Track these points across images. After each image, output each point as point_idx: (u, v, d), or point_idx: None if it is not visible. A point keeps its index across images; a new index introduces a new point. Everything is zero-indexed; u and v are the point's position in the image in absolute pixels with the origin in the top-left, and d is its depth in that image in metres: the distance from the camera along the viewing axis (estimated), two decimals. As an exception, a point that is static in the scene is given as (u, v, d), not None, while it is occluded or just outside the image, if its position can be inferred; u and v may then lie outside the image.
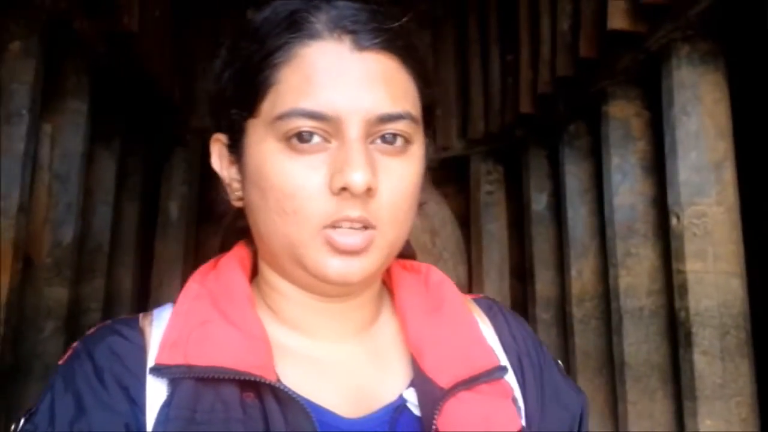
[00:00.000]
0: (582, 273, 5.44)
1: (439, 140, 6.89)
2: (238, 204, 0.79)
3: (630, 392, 4.49)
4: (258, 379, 0.67)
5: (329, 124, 0.68)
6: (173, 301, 0.77)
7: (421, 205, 0.80)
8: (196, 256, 6.11)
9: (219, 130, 0.79)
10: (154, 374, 0.68)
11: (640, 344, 4.52)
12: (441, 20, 7.06)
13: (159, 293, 5.48)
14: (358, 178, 0.66)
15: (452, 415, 0.72)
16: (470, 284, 5.98)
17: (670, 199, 4.06)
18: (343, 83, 0.68)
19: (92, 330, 0.73)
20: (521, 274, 6.44)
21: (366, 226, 0.70)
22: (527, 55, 5.96)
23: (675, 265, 4.01)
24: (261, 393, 0.68)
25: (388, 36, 0.71)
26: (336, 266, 0.69)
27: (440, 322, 0.81)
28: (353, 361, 0.78)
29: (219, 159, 0.80)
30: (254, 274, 0.82)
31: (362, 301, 0.80)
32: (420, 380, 0.76)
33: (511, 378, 0.81)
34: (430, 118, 0.79)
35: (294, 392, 0.69)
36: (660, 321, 4.50)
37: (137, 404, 0.67)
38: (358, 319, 0.80)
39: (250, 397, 0.68)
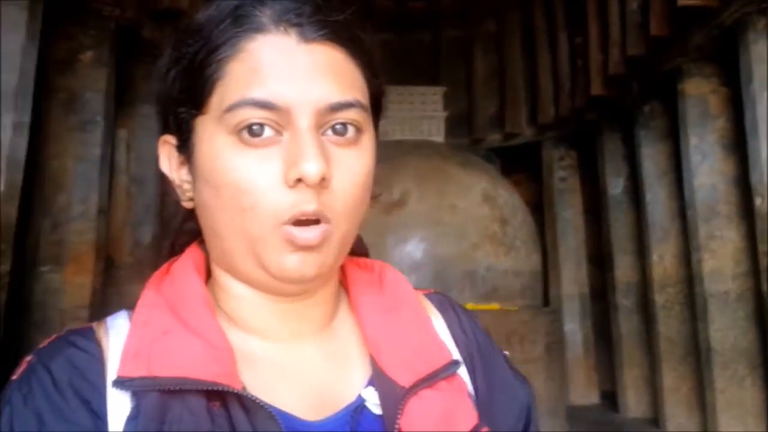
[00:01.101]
0: (663, 258, 5.27)
1: (508, 127, 6.80)
2: (189, 205, 0.76)
3: (718, 380, 4.31)
4: (224, 389, 0.66)
5: (279, 115, 0.67)
6: (128, 307, 0.75)
7: (374, 198, 0.77)
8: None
9: (167, 131, 0.77)
10: (117, 387, 0.66)
11: (727, 330, 4.34)
12: (506, 8, 6.95)
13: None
14: (312, 168, 0.65)
15: (414, 413, 0.72)
16: (545, 272, 5.86)
17: (753, 178, 3.87)
18: (292, 74, 0.68)
19: (45, 342, 0.70)
20: (599, 260, 6.29)
21: (320, 219, 0.68)
22: (596, 37, 5.80)
23: (761, 247, 3.83)
24: (227, 402, 0.67)
25: (333, 28, 0.71)
26: (294, 263, 0.68)
27: (397, 320, 0.80)
28: (312, 362, 0.77)
29: (168, 161, 0.77)
30: (208, 277, 0.79)
31: (319, 299, 0.78)
32: (380, 379, 0.75)
33: (463, 372, 0.80)
34: (378, 108, 0.77)
35: (260, 399, 0.67)
36: (747, 305, 4.31)
37: (100, 418, 0.65)
38: (316, 319, 0.78)
39: (216, 407, 0.67)
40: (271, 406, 0.67)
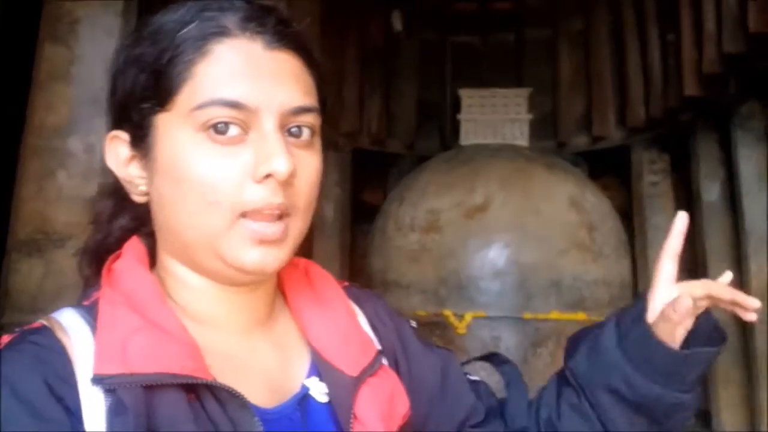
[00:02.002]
0: (762, 267, 4.98)
1: (596, 130, 6.57)
2: (141, 200, 0.79)
3: (823, 399, 4.03)
4: (201, 381, 0.69)
5: (247, 115, 0.72)
6: (71, 305, 0.76)
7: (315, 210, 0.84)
8: (351, 255, 6.24)
9: (117, 127, 0.79)
10: (95, 384, 0.66)
11: (834, 346, 4.06)
12: (593, 4, 6.73)
13: (317, 294, 5.61)
14: (282, 165, 0.70)
15: (365, 400, 0.79)
16: (635, 280, 5.63)
17: None
18: (259, 77, 0.73)
19: (2, 344, 0.70)
20: (693, 269, 5.98)
21: (282, 215, 0.73)
22: (690, 33, 5.53)
23: None
24: (199, 394, 0.70)
25: (292, 38, 0.78)
26: (255, 256, 0.73)
27: (330, 314, 0.86)
28: (260, 352, 0.81)
29: (115, 157, 0.80)
30: (150, 269, 0.82)
31: (265, 291, 0.83)
32: (327, 370, 0.82)
33: (385, 361, 0.88)
34: (323, 114, 0.83)
35: (233, 389, 0.71)
36: None
37: (74, 415, 0.65)
38: (262, 310, 0.83)
39: (192, 399, 0.69)
40: (242, 395, 0.71)
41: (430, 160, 5.65)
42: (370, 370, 0.83)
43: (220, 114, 0.71)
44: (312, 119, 0.77)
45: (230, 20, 0.75)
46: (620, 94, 6.58)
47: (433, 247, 4.77)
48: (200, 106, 0.71)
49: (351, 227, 6.34)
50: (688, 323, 0.93)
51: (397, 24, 6.75)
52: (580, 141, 6.83)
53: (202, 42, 0.73)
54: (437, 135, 6.80)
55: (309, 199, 0.78)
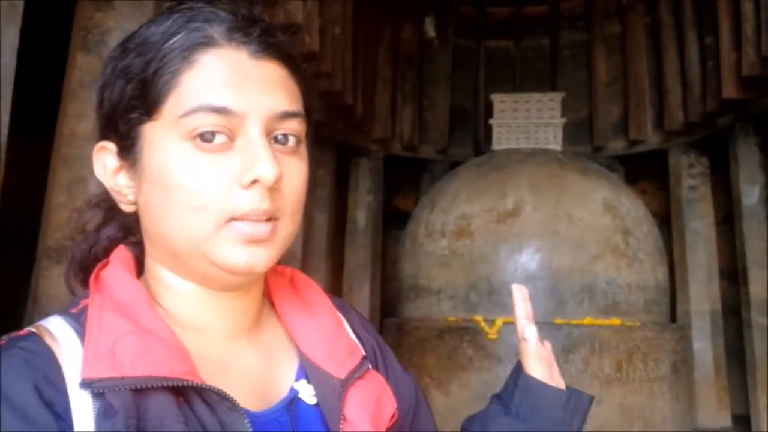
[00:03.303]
0: (804, 272, 4.84)
1: (632, 133, 6.48)
2: (129, 209, 0.81)
3: None
4: (191, 384, 0.70)
5: (233, 122, 0.72)
6: (59, 313, 0.77)
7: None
8: (383, 262, 6.25)
9: (104, 138, 0.80)
10: (84, 388, 0.67)
11: None
12: (630, 7, 6.64)
13: (350, 298, 5.64)
14: (269, 171, 0.71)
15: (353, 402, 0.80)
16: (673, 286, 5.52)
17: None
18: (246, 85, 0.74)
19: None
20: (732, 275, 5.85)
21: (270, 218, 0.74)
22: (728, 35, 5.42)
23: None
24: (189, 397, 0.71)
25: (277, 48, 0.78)
26: (244, 256, 0.73)
27: (317, 319, 0.88)
28: (248, 357, 0.82)
29: (103, 167, 0.81)
30: (137, 276, 0.82)
31: (252, 297, 0.84)
32: (315, 373, 0.83)
33: (370, 366, 0.89)
34: (308, 124, 0.84)
35: (223, 391, 0.72)
36: None
37: (64, 420, 0.65)
38: (249, 315, 0.84)
39: (181, 402, 0.70)
40: (233, 398, 0.72)
41: (462, 166, 5.63)
42: (358, 372, 0.84)
43: (206, 121, 0.72)
44: (297, 125, 0.78)
45: (216, 31, 0.75)
46: (658, 97, 6.47)
47: (463, 253, 4.75)
48: (186, 113, 0.72)
49: (383, 233, 6.36)
50: (554, 366, 1.02)
51: (430, 30, 6.75)
52: (617, 145, 6.73)
53: (188, 52, 0.74)
54: (470, 140, 6.79)
55: (296, 204, 0.78)
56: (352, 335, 0.92)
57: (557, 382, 1.00)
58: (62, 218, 2.97)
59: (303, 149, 0.80)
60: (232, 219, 0.72)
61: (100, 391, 0.66)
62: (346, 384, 0.81)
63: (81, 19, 3.31)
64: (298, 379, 0.84)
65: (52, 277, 2.86)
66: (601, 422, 4.23)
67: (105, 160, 0.80)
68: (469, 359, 4.45)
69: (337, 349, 0.85)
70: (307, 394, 0.82)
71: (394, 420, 0.85)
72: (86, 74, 3.24)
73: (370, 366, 0.89)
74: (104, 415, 0.66)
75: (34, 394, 0.65)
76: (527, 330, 1.02)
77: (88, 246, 0.85)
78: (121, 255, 0.81)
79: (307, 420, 0.80)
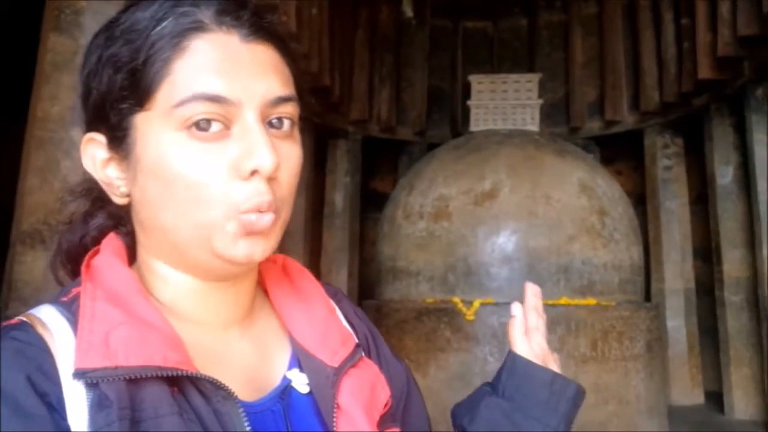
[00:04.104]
0: (776, 251, 4.92)
1: (609, 114, 6.53)
2: (121, 201, 0.79)
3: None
4: (186, 373, 0.70)
5: (228, 109, 0.71)
6: (49, 301, 0.76)
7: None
8: (361, 244, 6.26)
9: (93, 129, 0.78)
10: (77, 378, 0.66)
11: None
12: (606, -13, 6.66)
13: (329, 280, 5.62)
14: (267, 161, 0.70)
15: (347, 390, 0.80)
16: (647, 266, 5.60)
17: None
18: (238, 70, 0.73)
19: None
20: (706, 254, 5.94)
21: (271, 209, 0.73)
22: (704, 16, 5.46)
23: None
24: (183, 387, 0.70)
25: (268, 29, 0.77)
26: (243, 247, 0.73)
27: (310, 307, 0.88)
28: (242, 346, 0.82)
29: (92, 160, 0.78)
30: (129, 265, 0.81)
31: (246, 286, 0.83)
32: (308, 362, 0.83)
33: (363, 353, 0.89)
34: (301, 104, 0.82)
35: (218, 380, 0.71)
36: None
37: (58, 411, 0.65)
38: (243, 305, 0.84)
39: (175, 392, 0.69)
40: (227, 387, 0.71)
41: (439, 148, 5.63)
42: (351, 360, 0.83)
43: (201, 110, 0.70)
44: (292, 109, 0.76)
45: (205, 15, 0.74)
46: (634, 78, 6.52)
47: (441, 235, 4.77)
48: (180, 103, 0.70)
49: (361, 216, 6.37)
50: (551, 355, 1.01)
51: (408, 11, 6.72)
52: (593, 126, 6.78)
53: (178, 38, 0.72)
54: (448, 122, 6.79)
55: (291, 190, 0.77)
56: (345, 323, 0.92)
57: (551, 367, 0.99)
58: (36, 202, 2.93)
59: (296, 132, 0.79)
60: (238, 212, 0.71)
61: (94, 381, 0.66)
62: (339, 372, 0.81)
63: (53, -1, 3.25)
64: (291, 367, 0.83)
65: (27, 263, 2.83)
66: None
67: (94, 151, 0.78)
68: (447, 341, 4.48)
69: (330, 337, 0.85)
70: (300, 383, 0.82)
71: (387, 407, 0.85)
72: (59, 55, 3.19)
73: (363, 354, 0.89)
74: (98, 405, 0.65)
75: (27, 386, 0.64)
76: (514, 307, 1.01)
77: (77, 236, 0.84)
78: (112, 243, 0.80)
79: (300, 409, 0.80)
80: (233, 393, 0.72)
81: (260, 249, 0.73)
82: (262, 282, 0.90)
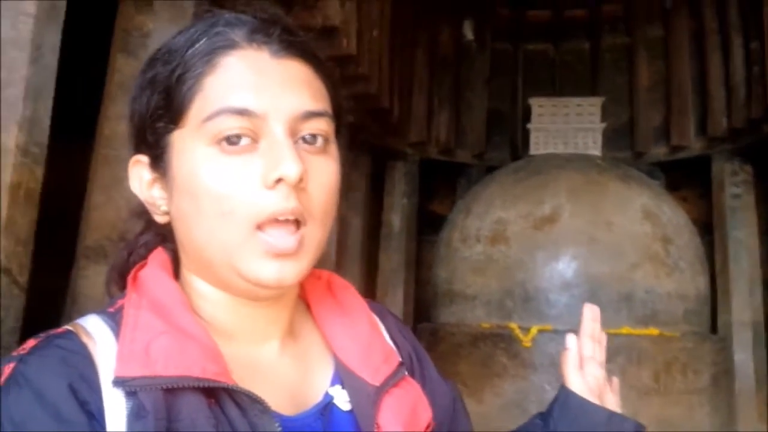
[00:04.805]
0: None
1: (674, 140, 6.35)
2: (163, 220, 0.81)
3: None
4: (224, 385, 0.70)
5: (256, 123, 0.72)
6: (101, 311, 0.77)
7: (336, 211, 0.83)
8: (417, 266, 6.22)
9: (138, 151, 0.81)
10: (117, 386, 0.67)
11: None
12: (673, 11, 6.52)
13: (384, 302, 5.62)
14: (292, 168, 0.70)
15: (388, 410, 0.79)
16: (714, 296, 5.39)
17: None
18: (267, 84, 0.73)
19: (28, 348, 0.70)
20: (776, 284, 5.71)
21: (298, 221, 0.73)
22: (775, 39, 5.29)
23: None
24: (220, 399, 0.70)
25: (300, 46, 0.78)
26: (272, 270, 0.72)
27: (353, 324, 0.87)
28: (282, 362, 0.82)
29: (139, 181, 0.81)
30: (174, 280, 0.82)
31: (286, 303, 0.83)
32: (349, 379, 0.82)
33: (406, 372, 0.87)
34: (339, 124, 0.82)
35: (254, 394, 0.71)
36: None
37: (96, 419, 0.65)
38: (283, 322, 0.83)
39: (212, 404, 0.69)
40: (264, 401, 0.72)
41: (498, 171, 5.58)
42: (393, 379, 0.82)
43: (230, 125, 0.71)
44: (324, 125, 0.76)
45: (237, 34, 0.75)
46: (701, 102, 6.34)
47: (499, 259, 4.70)
48: (210, 117, 0.72)
49: (418, 238, 6.33)
50: (609, 386, 0.98)
51: (468, 33, 6.71)
52: (658, 151, 6.61)
53: (210, 56, 0.74)
54: (507, 145, 6.72)
55: (325, 206, 0.76)
56: (389, 340, 0.91)
57: (607, 402, 0.95)
58: (101, 218, 3.00)
59: (332, 149, 0.79)
60: (260, 226, 0.71)
61: (133, 390, 0.66)
62: (380, 391, 0.80)
63: (122, 21, 3.35)
64: (333, 384, 0.83)
65: (90, 277, 2.89)
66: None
67: (141, 173, 0.80)
68: (504, 367, 4.40)
69: (373, 355, 0.84)
70: (342, 400, 0.81)
71: (429, 429, 0.84)
72: (126, 77, 3.28)
73: (407, 373, 0.87)
74: (136, 414, 0.66)
75: (68, 393, 0.65)
76: (568, 339, 0.99)
77: (127, 252, 0.86)
78: (159, 257, 0.82)
79: (341, 426, 0.79)
80: (269, 407, 0.71)
81: (291, 272, 0.73)
82: (305, 297, 0.90)
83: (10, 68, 2.25)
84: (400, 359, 0.88)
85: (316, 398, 0.81)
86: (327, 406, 0.80)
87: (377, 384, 0.80)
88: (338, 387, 0.82)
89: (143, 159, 0.80)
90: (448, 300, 4.95)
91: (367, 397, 0.79)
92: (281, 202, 0.71)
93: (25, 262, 2.23)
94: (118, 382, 0.67)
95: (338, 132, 0.82)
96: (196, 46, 0.75)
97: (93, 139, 3.21)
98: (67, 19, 2.51)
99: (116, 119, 3.19)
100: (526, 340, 4.31)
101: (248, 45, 0.75)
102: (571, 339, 0.98)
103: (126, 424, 0.66)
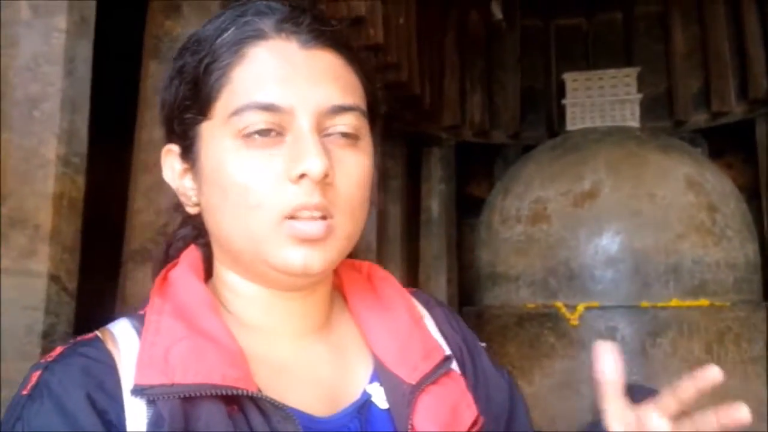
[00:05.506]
0: None
1: (715, 105, 6.21)
2: (194, 211, 0.80)
3: None
4: (242, 393, 0.68)
5: (282, 117, 0.71)
6: (127, 315, 0.77)
7: (371, 205, 0.80)
8: (458, 251, 6.21)
9: (169, 141, 0.80)
10: (135, 395, 0.66)
11: None
12: (708, -27, 6.35)
13: (427, 288, 5.62)
14: (316, 164, 0.68)
15: (424, 410, 0.76)
16: (765, 263, 5.27)
17: None
18: (295, 77, 0.72)
19: (54, 355, 0.70)
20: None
21: (324, 216, 0.71)
22: (816, -6, 5.12)
23: None
24: (243, 405, 0.69)
25: (330, 36, 0.75)
26: (298, 256, 0.71)
27: (393, 318, 0.84)
28: (317, 359, 0.80)
29: (171, 170, 0.80)
30: (207, 278, 0.81)
31: (319, 297, 0.81)
32: (385, 377, 0.79)
33: (455, 365, 0.84)
34: (374, 116, 0.81)
35: (277, 401, 0.69)
36: None
37: (116, 427, 0.65)
38: (317, 316, 0.82)
39: (234, 411, 0.68)
40: (287, 407, 0.69)
41: (535, 149, 5.52)
42: (432, 377, 0.78)
43: (257, 119, 0.70)
44: (354, 120, 0.74)
45: (266, 23, 0.74)
46: (740, 66, 6.17)
47: (540, 238, 4.66)
48: (236, 112, 0.71)
49: (458, 222, 6.33)
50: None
51: (497, 12, 6.63)
52: (699, 118, 6.47)
53: (237, 46, 0.73)
54: (543, 122, 6.65)
55: (354, 201, 0.74)
56: (437, 333, 0.87)
57: None
58: (144, 222, 3.07)
59: (364, 143, 0.76)
60: (285, 217, 0.70)
61: (152, 399, 0.66)
62: (416, 390, 0.77)
63: (151, 27, 3.40)
64: (372, 381, 0.80)
65: (138, 278, 2.97)
66: (693, 408, 4.09)
67: (173, 163, 0.80)
68: (552, 346, 4.37)
69: (411, 351, 0.80)
70: (380, 398, 0.79)
71: (477, 427, 0.79)
72: (159, 82, 3.33)
73: (456, 366, 0.84)
74: (155, 423, 0.65)
75: (86, 403, 0.65)
76: (603, 364, 0.75)
77: (166, 246, 0.86)
78: (190, 255, 0.81)
79: (378, 425, 0.77)
80: (292, 413, 0.69)
81: (317, 259, 0.71)
82: (343, 290, 0.88)
83: (45, 82, 2.32)
84: (447, 353, 0.84)
85: (353, 396, 0.78)
86: (365, 404, 0.78)
87: (413, 382, 0.77)
88: (376, 384, 0.80)
89: (174, 149, 0.79)
90: (492, 282, 4.93)
91: (403, 396, 0.77)
92: (305, 197, 0.69)
93: (73, 269, 2.30)
94: (137, 390, 0.66)
95: (373, 123, 0.80)
96: (224, 35, 0.74)
97: (132, 144, 3.28)
98: (98, 30, 2.57)
99: (153, 125, 3.24)
100: (573, 319, 4.27)
101: (277, 35, 0.73)
102: (606, 361, 0.74)
103: (146, 430, 0.65)
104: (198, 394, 0.66)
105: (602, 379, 0.73)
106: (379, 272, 0.90)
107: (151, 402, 0.66)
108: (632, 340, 4.20)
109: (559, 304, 4.39)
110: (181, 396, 0.66)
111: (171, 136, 0.79)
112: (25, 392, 0.67)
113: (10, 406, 0.68)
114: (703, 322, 4.29)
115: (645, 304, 4.30)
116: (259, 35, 0.73)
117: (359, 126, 0.75)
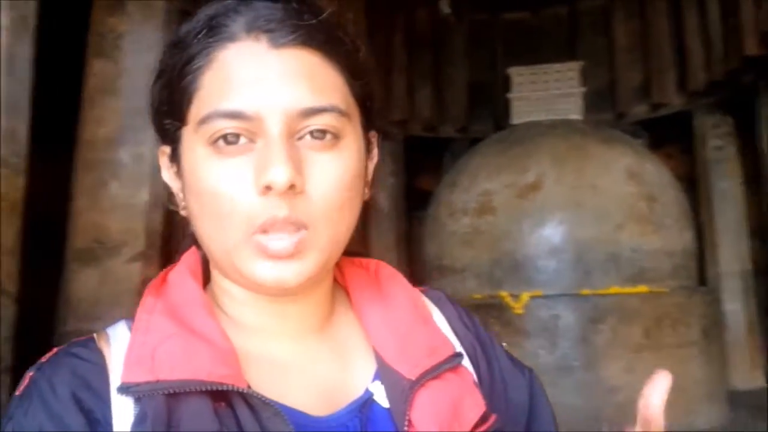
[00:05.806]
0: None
1: (655, 97, 6.41)
2: (184, 213, 0.77)
3: None
4: (228, 388, 0.67)
5: (251, 123, 0.67)
6: (126, 317, 0.75)
7: (367, 201, 0.78)
8: (409, 243, 6.29)
9: (163, 142, 0.77)
10: (121, 393, 0.66)
11: None
12: (647, -33, 6.53)
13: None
14: (279, 175, 0.64)
15: (423, 405, 0.73)
16: (701, 249, 5.48)
17: None
18: (262, 81, 0.68)
19: (47, 356, 0.70)
20: (763, 234, 5.78)
21: (298, 227, 0.67)
22: (748, -10, 5.32)
23: None
24: (232, 402, 0.68)
25: (306, 32, 0.69)
26: (267, 271, 0.68)
27: (397, 315, 0.81)
28: (316, 359, 0.77)
29: (167, 171, 0.78)
30: (206, 280, 0.80)
31: (314, 300, 0.78)
32: (386, 373, 0.77)
33: (467, 363, 0.81)
34: (368, 110, 0.75)
35: (266, 397, 0.68)
36: None
37: (102, 426, 0.65)
38: (315, 317, 0.79)
39: (222, 407, 0.67)
40: (277, 403, 0.68)
41: (482, 143, 5.63)
42: (433, 372, 0.75)
43: (223, 126, 0.67)
44: (332, 120, 0.69)
45: (237, 24, 0.70)
46: (679, 59, 6.37)
47: (486, 230, 4.77)
48: (203, 120, 0.68)
49: (407, 215, 6.41)
50: None
51: (445, 7, 6.72)
52: (640, 110, 6.66)
53: (208, 49, 0.69)
54: (490, 116, 6.76)
55: (332, 205, 0.69)
56: (448, 330, 0.84)
57: None
58: (87, 222, 3.07)
59: (345, 143, 0.71)
60: (253, 229, 0.67)
61: (138, 396, 0.65)
62: (415, 385, 0.74)
63: (95, 24, 3.39)
64: (375, 379, 0.78)
65: (81, 280, 2.97)
66: (633, 390, 4.24)
67: (167, 164, 0.78)
68: (497, 335, 4.48)
69: (413, 348, 0.77)
70: (383, 397, 0.76)
71: (487, 425, 0.75)
72: (102, 80, 3.33)
73: (468, 363, 0.81)
74: (139, 421, 0.65)
75: (71, 403, 0.65)
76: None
77: (178, 247, 0.85)
78: (190, 258, 0.80)
79: (379, 424, 0.74)
80: (280, 410, 0.67)
81: (291, 274, 0.68)
82: (348, 289, 0.85)
83: (-18, 83, 2.31)
84: (456, 350, 0.80)
85: (354, 395, 0.76)
86: (366, 403, 0.75)
87: (413, 378, 0.74)
88: (378, 383, 0.77)
89: (167, 150, 0.77)
90: (439, 274, 5.03)
91: (402, 393, 0.74)
92: (273, 209, 0.66)
93: (14, 272, 2.30)
94: (123, 388, 0.66)
95: (369, 118, 0.76)
96: (198, 37, 0.70)
97: (72, 144, 3.27)
98: (40, 29, 2.55)
99: (96, 123, 3.25)
100: (518, 307, 4.39)
101: (246, 36, 0.69)
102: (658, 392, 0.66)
103: (131, 428, 0.65)
104: (183, 390, 0.66)
105: (645, 407, 0.67)
106: (387, 270, 0.87)
107: (138, 400, 0.66)
108: (574, 327, 4.34)
109: (504, 293, 4.51)
110: (166, 392, 0.65)
111: (163, 138, 0.77)
112: (17, 393, 0.69)
113: (7, 406, 0.69)
114: (642, 308, 4.46)
115: (586, 291, 4.45)
116: (229, 37, 0.70)
117: (338, 127, 0.70)
